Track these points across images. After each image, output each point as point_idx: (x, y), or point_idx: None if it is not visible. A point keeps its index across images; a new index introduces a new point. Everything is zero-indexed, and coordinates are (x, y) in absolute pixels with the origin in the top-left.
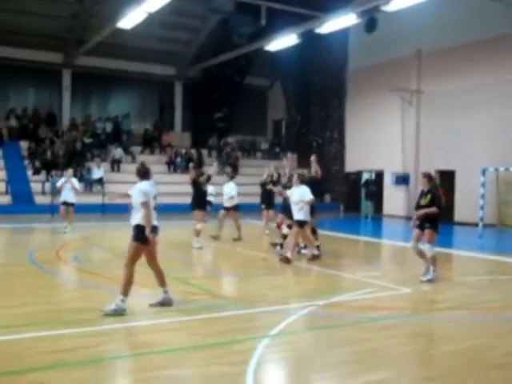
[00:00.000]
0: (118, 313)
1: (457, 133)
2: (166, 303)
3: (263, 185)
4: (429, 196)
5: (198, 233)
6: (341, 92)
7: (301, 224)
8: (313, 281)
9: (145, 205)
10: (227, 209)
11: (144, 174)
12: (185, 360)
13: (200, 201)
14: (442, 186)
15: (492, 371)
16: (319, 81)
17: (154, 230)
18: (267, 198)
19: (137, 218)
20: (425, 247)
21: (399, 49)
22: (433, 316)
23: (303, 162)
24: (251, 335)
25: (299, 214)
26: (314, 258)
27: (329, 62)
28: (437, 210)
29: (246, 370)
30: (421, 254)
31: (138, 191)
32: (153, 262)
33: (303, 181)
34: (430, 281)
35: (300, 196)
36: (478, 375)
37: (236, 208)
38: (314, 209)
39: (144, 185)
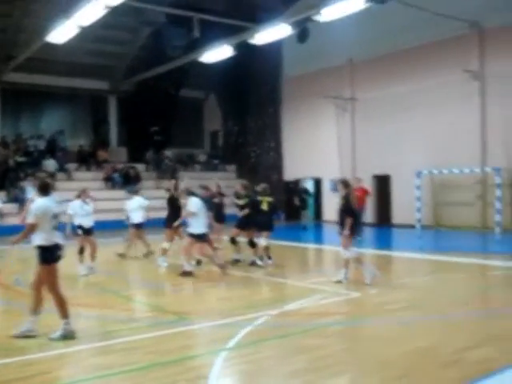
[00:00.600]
0: (68, 337)
1: (391, 138)
2: (68, 336)
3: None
4: (343, 201)
5: (164, 251)
6: (276, 101)
7: (200, 237)
8: (262, 291)
9: (30, 226)
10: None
11: (43, 189)
12: (143, 380)
13: (175, 218)
14: (380, 190)
15: (446, 369)
16: (254, 91)
17: (59, 249)
18: (216, 212)
19: (37, 238)
20: (340, 250)
21: (332, 58)
22: (384, 318)
23: (241, 173)
24: (208, 350)
25: (197, 227)
26: (185, 273)
27: (263, 71)
28: (351, 219)
29: None
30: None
31: (31, 209)
32: (50, 286)
33: (191, 193)
34: (338, 282)
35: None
36: (434, 373)
37: (140, 225)
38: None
39: (41, 202)
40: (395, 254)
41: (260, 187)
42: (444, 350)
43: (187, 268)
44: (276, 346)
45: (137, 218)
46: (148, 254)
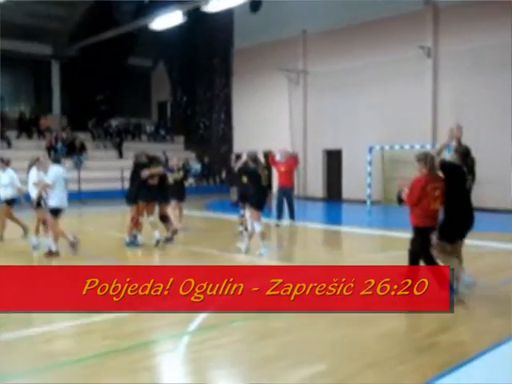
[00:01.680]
0: None
1: (343, 112)
2: None
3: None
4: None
5: (154, 225)
6: (227, 72)
7: (54, 212)
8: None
9: None
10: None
11: None
12: (106, 369)
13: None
14: (331, 165)
15: (422, 354)
16: (205, 61)
17: None
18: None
19: None
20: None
21: (285, 29)
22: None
23: (190, 145)
24: (168, 334)
25: (52, 200)
26: (51, 253)
27: (214, 41)
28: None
29: (173, 373)
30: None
31: None
32: None
33: (56, 160)
34: (260, 255)
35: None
36: (412, 359)
37: (9, 202)
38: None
39: None
40: (346, 229)
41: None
42: (416, 333)
43: (52, 247)
44: (241, 330)
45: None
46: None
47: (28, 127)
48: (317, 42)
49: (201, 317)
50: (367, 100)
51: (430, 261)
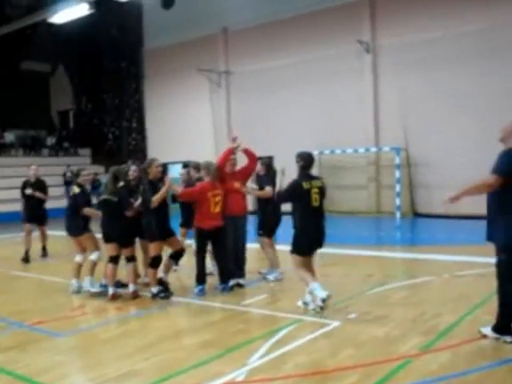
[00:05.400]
0: None
1: (273, 115)
2: None
3: None
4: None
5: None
6: (137, 75)
7: None
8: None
9: None
10: None
11: None
12: None
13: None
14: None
15: None
16: (112, 64)
17: None
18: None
19: None
20: None
21: (203, 26)
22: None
23: (97, 158)
24: None
25: None
26: None
27: (122, 42)
28: None
29: None
30: None
31: None
32: None
33: None
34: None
35: None
36: None
37: None
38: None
39: None
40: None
41: None
42: None
43: None
44: None
45: None
46: None
47: None
48: (240, 39)
49: None
50: (301, 101)
51: (198, 259)
